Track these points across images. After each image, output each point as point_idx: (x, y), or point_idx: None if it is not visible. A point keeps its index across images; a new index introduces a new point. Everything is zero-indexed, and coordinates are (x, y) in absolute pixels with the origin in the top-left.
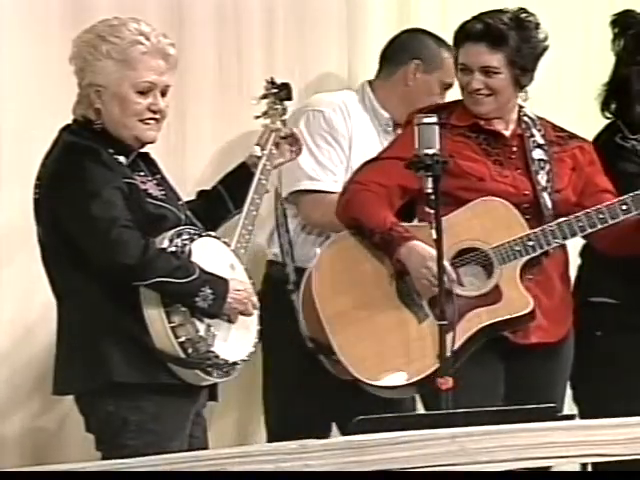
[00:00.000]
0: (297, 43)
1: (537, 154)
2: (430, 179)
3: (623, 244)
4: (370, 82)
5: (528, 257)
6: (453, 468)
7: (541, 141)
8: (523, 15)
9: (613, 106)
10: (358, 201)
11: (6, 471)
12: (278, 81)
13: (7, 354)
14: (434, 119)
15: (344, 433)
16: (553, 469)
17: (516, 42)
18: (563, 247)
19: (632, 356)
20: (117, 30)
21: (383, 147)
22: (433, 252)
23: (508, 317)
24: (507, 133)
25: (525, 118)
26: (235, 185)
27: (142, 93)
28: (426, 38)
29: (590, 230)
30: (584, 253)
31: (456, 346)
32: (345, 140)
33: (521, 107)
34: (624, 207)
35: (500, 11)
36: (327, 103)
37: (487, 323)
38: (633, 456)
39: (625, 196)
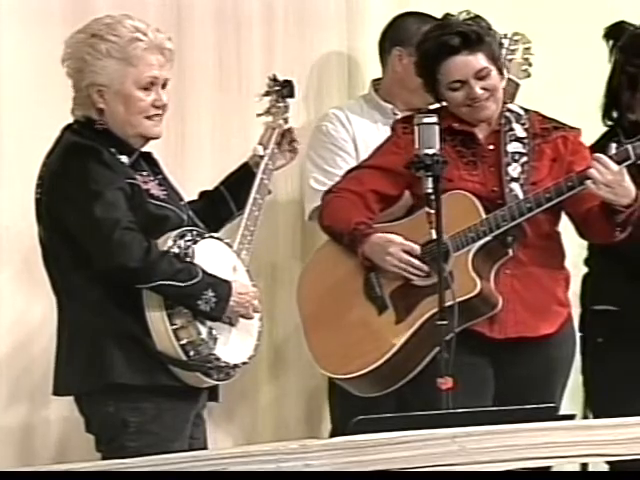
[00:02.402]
0: (297, 43)
1: (513, 147)
2: (430, 179)
3: (594, 228)
4: (376, 80)
5: (481, 242)
6: (453, 468)
7: (522, 134)
8: (469, 15)
9: (612, 114)
10: (330, 209)
11: (6, 471)
12: (280, 78)
13: (8, 356)
14: (434, 119)
15: (344, 433)
16: (553, 469)
17: (488, 37)
18: (555, 243)
19: (634, 362)
20: (114, 28)
21: None
22: (392, 238)
23: (455, 301)
24: (481, 133)
25: (507, 113)
26: (237, 186)
27: (145, 89)
28: (406, 21)
29: (538, 209)
30: (589, 261)
31: (410, 332)
32: (348, 143)
33: (504, 103)
34: (569, 184)
35: (449, 20)
36: (323, 117)
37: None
38: (633, 456)
39: (571, 173)
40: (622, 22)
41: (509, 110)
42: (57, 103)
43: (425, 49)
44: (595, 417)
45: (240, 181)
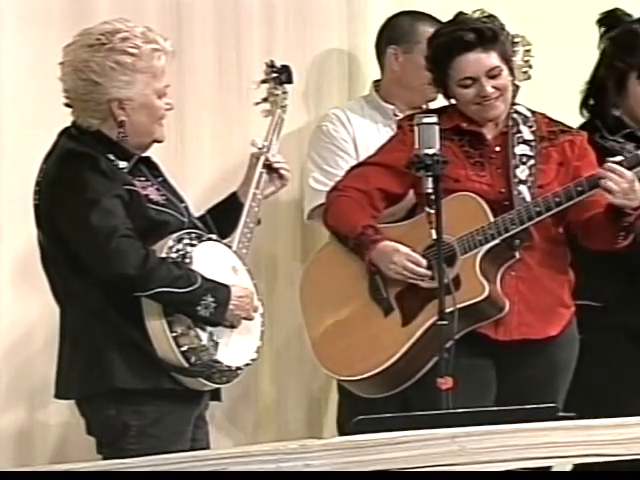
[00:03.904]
0: (297, 42)
1: (520, 150)
2: (430, 179)
3: (598, 235)
4: (377, 81)
5: (489, 245)
6: (453, 468)
7: (529, 137)
8: (483, 14)
9: (591, 104)
10: (335, 208)
11: (6, 471)
12: (278, 64)
13: (7, 356)
14: (434, 119)
15: (344, 433)
16: (553, 469)
17: (502, 36)
18: (560, 246)
19: (614, 356)
20: (132, 42)
21: None
22: (399, 247)
23: (462, 305)
24: (490, 134)
25: (515, 115)
26: (221, 216)
27: (161, 97)
28: (399, 19)
29: (547, 213)
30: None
31: (416, 335)
32: (348, 144)
33: (513, 104)
34: (579, 188)
35: (464, 17)
36: (324, 117)
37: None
38: (633, 456)
39: (581, 178)
40: (616, 10)
41: (516, 112)
42: (57, 103)
43: (438, 43)
44: (565, 411)
45: (226, 211)
